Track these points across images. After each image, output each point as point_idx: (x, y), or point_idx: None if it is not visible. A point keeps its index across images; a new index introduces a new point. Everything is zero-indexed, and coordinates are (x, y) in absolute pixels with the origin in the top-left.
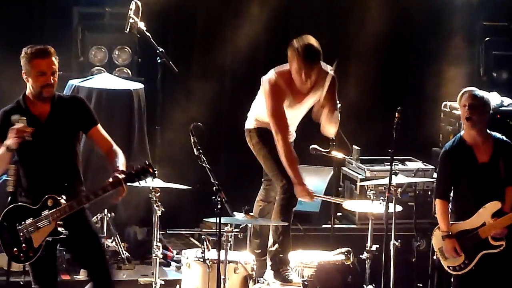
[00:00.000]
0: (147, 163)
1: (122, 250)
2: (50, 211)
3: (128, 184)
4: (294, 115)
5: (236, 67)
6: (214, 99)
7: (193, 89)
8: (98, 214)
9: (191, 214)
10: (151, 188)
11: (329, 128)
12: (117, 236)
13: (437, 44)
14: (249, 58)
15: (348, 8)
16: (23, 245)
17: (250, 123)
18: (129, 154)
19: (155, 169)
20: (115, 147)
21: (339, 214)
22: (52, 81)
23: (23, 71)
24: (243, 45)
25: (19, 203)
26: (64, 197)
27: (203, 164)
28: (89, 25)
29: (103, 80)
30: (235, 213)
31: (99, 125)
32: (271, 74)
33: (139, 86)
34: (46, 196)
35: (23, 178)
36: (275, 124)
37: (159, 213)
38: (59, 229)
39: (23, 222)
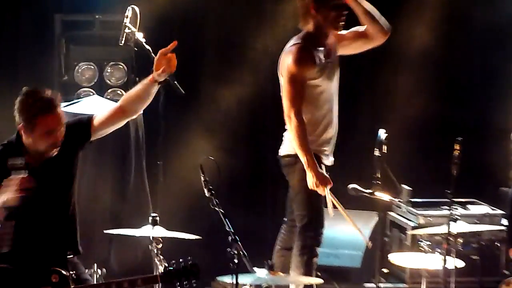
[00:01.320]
0: (192, 263)
1: None
2: None
3: (121, 232)
4: (331, 88)
5: (257, 85)
6: (229, 128)
7: (203, 115)
8: (86, 270)
9: (201, 270)
10: (151, 238)
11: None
12: None
13: (505, 61)
14: (270, 76)
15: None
16: None
17: (287, 148)
18: (123, 196)
19: (199, 270)
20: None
21: (385, 270)
22: (62, 136)
23: (18, 123)
24: (263, 60)
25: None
26: (73, 274)
27: (216, 208)
28: (75, 36)
29: (92, 105)
30: (255, 269)
31: (94, 115)
32: (291, 47)
33: None
34: (50, 270)
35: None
36: (292, 95)
37: (161, 269)
38: None
39: None
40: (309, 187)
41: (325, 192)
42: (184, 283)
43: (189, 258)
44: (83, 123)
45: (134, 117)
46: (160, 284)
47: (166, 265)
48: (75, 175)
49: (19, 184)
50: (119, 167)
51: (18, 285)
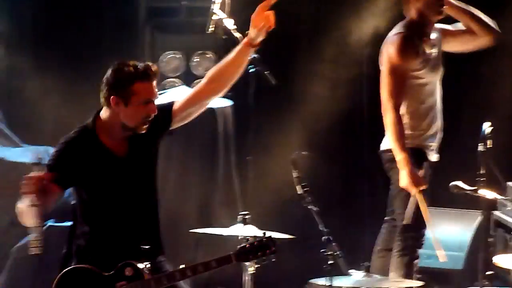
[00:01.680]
0: (268, 236)
1: None
2: (129, 285)
3: (209, 231)
4: (435, 81)
5: (353, 79)
6: (323, 122)
7: (295, 108)
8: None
9: (293, 272)
10: (241, 237)
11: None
12: None
13: None
14: (367, 70)
15: None
16: None
17: (389, 142)
18: (211, 193)
19: (276, 244)
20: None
21: (490, 272)
22: (154, 112)
23: (110, 95)
24: (359, 53)
25: (81, 266)
26: (147, 265)
27: (309, 206)
28: (160, 24)
29: (179, 96)
30: (351, 271)
31: (174, 101)
32: (394, 36)
33: (226, 103)
34: (122, 263)
35: (84, 233)
36: (391, 87)
37: (251, 270)
38: None
39: None
40: (402, 186)
41: (417, 193)
42: (262, 257)
43: (264, 232)
44: (164, 109)
45: (219, 95)
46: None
47: (257, 265)
48: (156, 166)
49: (31, 181)
50: (206, 163)
51: (94, 279)
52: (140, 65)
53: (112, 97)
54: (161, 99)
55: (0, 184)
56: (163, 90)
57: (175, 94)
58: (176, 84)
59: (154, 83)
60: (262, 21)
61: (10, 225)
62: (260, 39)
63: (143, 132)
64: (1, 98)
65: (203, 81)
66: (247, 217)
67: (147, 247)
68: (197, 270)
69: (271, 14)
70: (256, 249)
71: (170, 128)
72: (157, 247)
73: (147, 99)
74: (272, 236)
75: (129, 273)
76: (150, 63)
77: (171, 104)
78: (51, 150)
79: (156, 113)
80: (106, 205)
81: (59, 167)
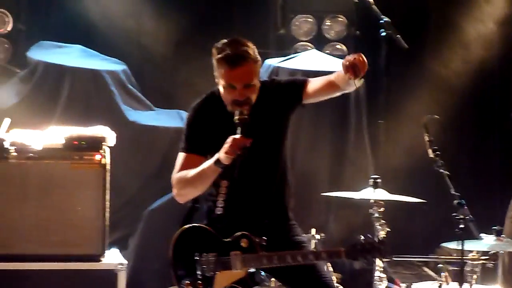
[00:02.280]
0: (380, 240)
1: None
2: (242, 256)
3: (340, 195)
4: None
5: (489, 40)
6: (455, 86)
7: (428, 71)
8: (303, 234)
9: (424, 236)
10: (372, 201)
11: None
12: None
13: None
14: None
15: None
16: (199, 282)
17: None
18: (342, 157)
19: (387, 248)
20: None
21: None
22: (244, 96)
23: (215, 73)
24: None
25: (201, 225)
26: (264, 240)
27: (441, 170)
28: None
29: (310, 60)
30: (482, 235)
31: (309, 80)
32: None
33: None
34: (240, 234)
35: (211, 195)
36: None
37: (382, 234)
38: (255, 277)
39: (204, 254)
40: None
41: None
42: (370, 260)
43: (377, 234)
44: (297, 85)
45: (349, 91)
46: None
47: (388, 229)
48: (284, 137)
49: (235, 144)
50: (337, 126)
51: (212, 241)
52: (227, 51)
53: (215, 73)
54: (292, 63)
55: (132, 147)
56: (294, 53)
57: (307, 58)
58: (308, 48)
59: (248, 67)
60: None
61: (140, 188)
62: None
63: (238, 115)
64: (135, 65)
65: (332, 77)
66: (378, 180)
67: (266, 221)
68: (307, 257)
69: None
70: (366, 251)
71: (302, 103)
72: (282, 219)
73: (229, 84)
74: (385, 241)
75: (244, 244)
76: (245, 50)
77: (305, 82)
78: (183, 114)
79: (285, 88)
80: (230, 171)
81: (196, 137)
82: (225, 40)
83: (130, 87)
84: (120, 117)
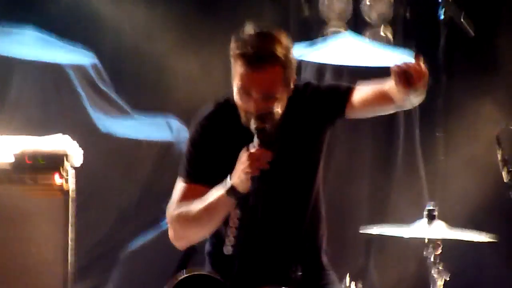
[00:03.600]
0: None
1: None
2: None
3: (384, 231)
4: None
5: None
6: None
7: (503, 67)
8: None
9: (496, 279)
10: (426, 239)
11: None
12: None
13: None
14: None
15: None
16: None
17: None
18: (387, 180)
19: None
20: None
21: None
22: (261, 110)
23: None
24: None
25: (205, 273)
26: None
27: None
28: None
29: (345, 50)
30: None
31: (354, 88)
32: None
33: (410, 59)
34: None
35: (217, 230)
36: None
37: (440, 283)
38: None
39: None
40: None
41: None
42: None
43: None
44: (339, 93)
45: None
46: None
47: (447, 278)
48: (319, 158)
49: (254, 160)
50: (381, 139)
51: None
52: (249, 47)
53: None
54: (319, 53)
55: (105, 167)
56: (323, 41)
57: (340, 46)
58: (341, 32)
59: (275, 70)
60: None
61: (116, 223)
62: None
63: (258, 130)
64: (109, 57)
65: (383, 86)
66: (434, 212)
67: (298, 273)
68: None
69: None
70: None
71: (344, 117)
72: (314, 264)
73: (244, 89)
74: None
75: None
76: (274, 44)
77: (349, 91)
78: (173, 122)
79: (324, 97)
80: (243, 198)
81: (204, 162)
82: (251, 29)
83: (102, 87)
84: (89, 127)
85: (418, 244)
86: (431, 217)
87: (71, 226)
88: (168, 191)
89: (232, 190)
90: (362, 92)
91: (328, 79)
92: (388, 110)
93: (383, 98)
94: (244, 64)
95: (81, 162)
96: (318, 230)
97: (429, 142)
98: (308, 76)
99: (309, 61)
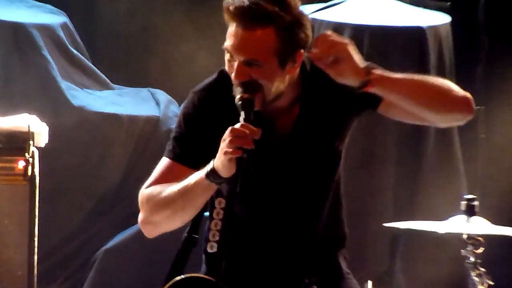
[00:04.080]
0: None
1: None
2: None
3: (413, 226)
4: None
5: None
6: None
7: None
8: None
9: None
10: (465, 236)
11: None
12: None
13: None
14: None
15: None
16: None
17: None
18: (417, 167)
19: None
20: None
21: None
22: (242, 76)
23: None
24: None
25: (202, 276)
26: None
27: None
28: None
29: (366, 7)
30: None
31: None
32: None
33: (442, 19)
34: None
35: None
36: None
37: None
38: None
39: None
40: None
41: None
42: None
43: None
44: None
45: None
46: None
47: (491, 282)
48: (340, 149)
49: (238, 135)
50: (411, 132)
51: None
52: (247, 2)
53: None
54: (339, 12)
55: (77, 148)
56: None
57: (361, 4)
58: None
59: (249, 33)
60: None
61: (89, 216)
62: None
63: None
64: (82, 15)
65: None
66: (474, 203)
67: (308, 281)
68: None
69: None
70: None
71: (376, 111)
72: (332, 271)
73: (228, 49)
74: None
75: None
76: (271, 4)
77: None
78: (159, 94)
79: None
80: (250, 202)
81: (195, 141)
82: None
83: (75, 51)
84: (58, 99)
85: (455, 241)
86: (470, 210)
87: (36, 218)
88: None
89: (212, 173)
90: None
91: None
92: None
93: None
94: (232, 21)
95: (47, 141)
96: (337, 232)
97: (470, 142)
98: None
99: (323, 20)
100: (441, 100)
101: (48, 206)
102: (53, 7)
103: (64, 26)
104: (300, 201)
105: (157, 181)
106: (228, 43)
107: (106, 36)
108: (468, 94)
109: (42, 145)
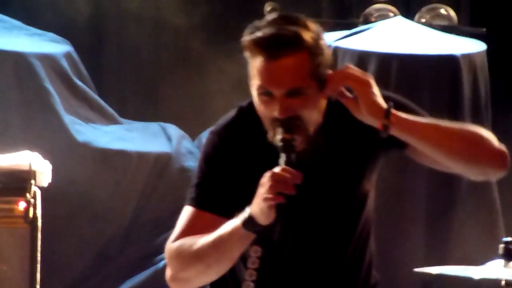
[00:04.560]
0: None
1: None
2: None
3: (446, 271)
4: None
5: None
6: None
7: None
8: None
9: None
10: (502, 283)
11: None
12: None
13: None
14: None
15: None
16: None
17: None
18: (449, 206)
19: None
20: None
21: None
22: (287, 112)
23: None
24: None
25: None
26: None
27: None
28: None
29: (394, 34)
30: None
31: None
32: None
33: (477, 47)
34: None
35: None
36: None
37: None
38: None
39: None
40: None
41: None
42: None
43: None
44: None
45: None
46: None
47: None
48: (368, 188)
49: (280, 180)
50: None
51: None
52: (264, 31)
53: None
54: (363, 40)
55: (82, 188)
56: (366, 24)
57: (388, 31)
58: (390, 15)
59: (286, 61)
60: None
61: (96, 262)
62: None
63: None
64: (87, 45)
65: None
66: None
67: None
68: None
69: None
70: None
71: (402, 151)
72: None
73: (263, 86)
74: None
75: None
76: (295, 26)
77: None
78: (170, 129)
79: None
80: (272, 246)
81: (219, 185)
82: (269, 17)
83: (79, 83)
84: (61, 135)
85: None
86: (509, 254)
87: (38, 263)
88: (165, 218)
89: (250, 221)
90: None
91: (373, 71)
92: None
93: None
94: (259, 53)
95: (50, 180)
96: (366, 277)
97: (505, 127)
98: None
99: (347, 48)
100: (470, 152)
101: (50, 251)
102: (55, 35)
103: (67, 55)
104: (326, 240)
105: (184, 233)
106: (263, 80)
107: (114, 67)
108: (503, 148)
109: (45, 184)
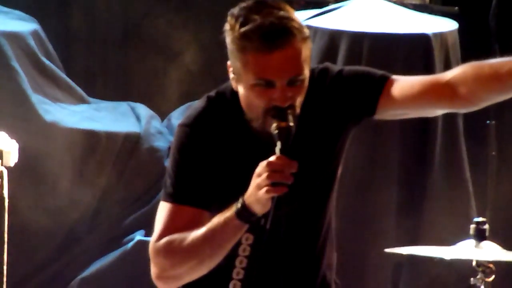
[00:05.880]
0: None
1: None
2: None
3: (417, 251)
4: None
5: None
6: None
7: None
8: None
9: None
10: (475, 262)
11: None
12: None
13: None
14: None
15: None
16: None
17: None
18: (420, 187)
19: None
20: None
21: None
22: (288, 101)
23: (228, 63)
24: None
25: None
26: None
27: None
28: None
29: (365, 12)
30: None
31: (391, 79)
32: None
33: (449, 26)
34: None
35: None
36: None
37: (489, 279)
38: None
39: None
40: None
41: None
42: None
43: None
44: (370, 85)
45: (472, 109)
46: None
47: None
48: (338, 165)
49: (273, 171)
50: (414, 131)
51: None
52: (259, 20)
53: (228, 64)
54: (336, 19)
55: (50, 166)
56: (337, 2)
57: (360, 10)
58: None
59: (287, 51)
60: None
61: (63, 242)
62: None
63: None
64: (55, 23)
65: (448, 76)
66: (484, 227)
67: None
68: None
69: None
70: None
71: (374, 117)
72: None
73: (264, 79)
74: None
75: None
76: (284, 13)
77: (384, 82)
78: (140, 108)
79: (355, 83)
80: (264, 233)
81: (195, 177)
82: (248, 3)
83: (47, 61)
84: (28, 114)
85: (463, 269)
86: (480, 234)
87: (5, 244)
88: (134, 199)
89: (245, 212)
90: (405, 84)
91: (344, 50)
92: (438, 110)
93: (439, 92)
94: (261, 45)
95: (17, 160)
96: (330, 255)
97: (477, 133)
98: (317, 46)
99: (318, 27)
100: None
101: (18, 231)
102: (22, 13)
103: (34, 34)
104: (304, 222)
105: (167, 230)
106: (264, 70)
107: (82, 45)
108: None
109: (11, 164)
